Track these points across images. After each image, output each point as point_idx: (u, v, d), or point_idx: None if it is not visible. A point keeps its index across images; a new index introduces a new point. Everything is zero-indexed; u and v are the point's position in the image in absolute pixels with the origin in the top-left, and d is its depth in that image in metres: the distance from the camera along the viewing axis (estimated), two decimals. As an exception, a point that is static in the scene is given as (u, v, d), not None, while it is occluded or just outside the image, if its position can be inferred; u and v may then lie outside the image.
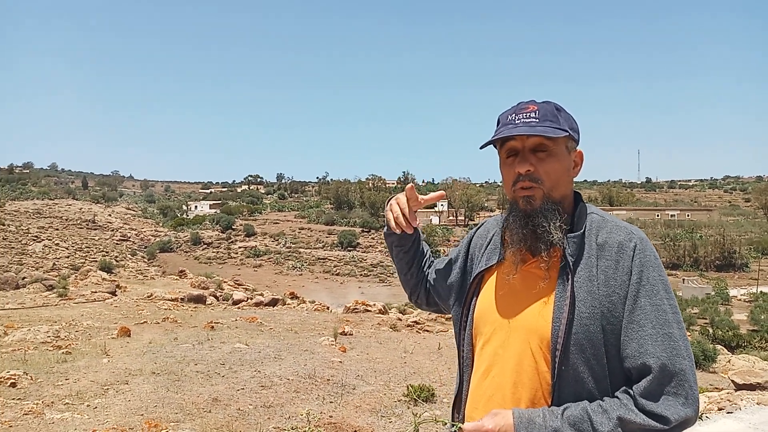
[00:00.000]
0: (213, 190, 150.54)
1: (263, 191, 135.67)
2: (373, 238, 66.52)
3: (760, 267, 51.92)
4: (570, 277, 1.42)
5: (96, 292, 20.66)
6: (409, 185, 1.74)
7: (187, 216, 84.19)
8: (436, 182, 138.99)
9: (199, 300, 20.36)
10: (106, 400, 7.13)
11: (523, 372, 1.45)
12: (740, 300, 42.24)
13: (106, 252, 54.37)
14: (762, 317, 29.73)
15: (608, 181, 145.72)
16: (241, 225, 72.22)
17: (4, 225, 54.78)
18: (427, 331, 15.68)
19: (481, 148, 1.56)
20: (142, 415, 6.56)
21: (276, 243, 66.48)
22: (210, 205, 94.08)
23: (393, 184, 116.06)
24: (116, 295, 20.61)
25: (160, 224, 77.66)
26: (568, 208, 1.53)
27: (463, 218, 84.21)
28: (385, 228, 1.85)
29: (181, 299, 19.93)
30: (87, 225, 67.66)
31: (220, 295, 22.59)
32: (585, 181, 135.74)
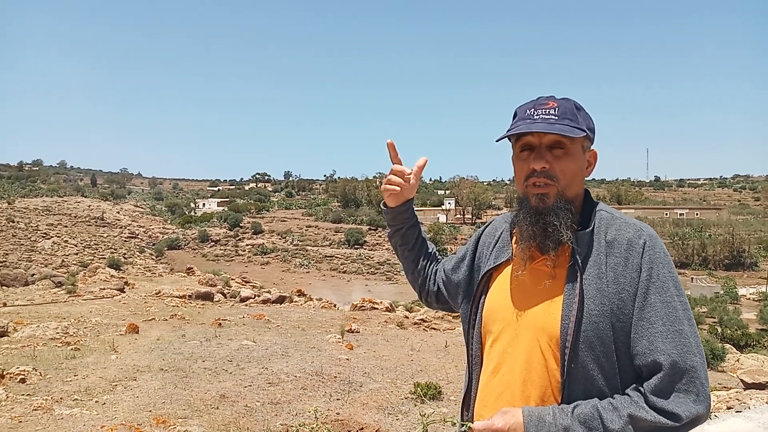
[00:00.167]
0: (221, 188, 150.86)
1: (271, 189, 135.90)
2: (380, 236, 66.43)
3: (770, 266, 51.57)
4: (579, 274, 1.41)
5: (104, 288, 20.80)
6: (388, 141, 1.80)
7: (195, 213, 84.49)
8: (443, 180, 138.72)
9: (207, 297, 20.43)
10: (114, 397, 7.16)
11: (532, 370, 1.44)
12: (749, 299, 42.03)
13: (115, 249, 54.56)
14: (771, 316, 29.53)
15: (617, 179, 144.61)
16: (248, 223, 72.35)
17: (13, 222, 55.11)
18: (434, 329, 15.66)
19: (497, 141, 1.55)
20: (150, 411, 6.59)
21: (283, 241, 66.59)
22: (218, 202, 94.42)
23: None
24: (124, 292, 20.73)
25: (168, 221, 77.91)
26: (578, 206, 1.52)
27: (470, 216, 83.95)
28: (383, 205, 1.89)
29: (189, 296, 20.01)
30: (96, 222, 67.97)
31: (228, 293, 22.69)
32: (593, 179, 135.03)
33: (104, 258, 46.05)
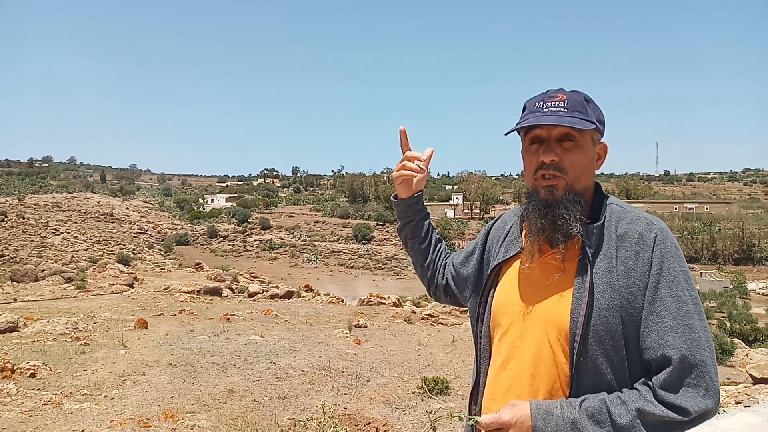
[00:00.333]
0: (229, 184, 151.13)
1: (279, 185, 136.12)
2: (387, 232, 66.46)
3: (780, 261, 51.21)
4: (589, 268, 1.40)
5: (114, 284, 20.93)
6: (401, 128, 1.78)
7: (204, 209, 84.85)
8: (451, 175, 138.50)
9: (216, 292, 20.53)
10: (123, 391, 7.21)
11: (541, 363, 1.43)
12: (759, 293, 41.76)
13: (124, 245, 54.82)
14: (781, 311, 29.36)
15: (626, 173, 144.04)
16: (256, 218, 72.56)
17: (24, 218, 55.47)
18: (442, 323, 15.67)
19: (506, 134, 1.54)
20: (158, 405, 6.63)
21: (291, 236, 66.74)
22: (226, 198, 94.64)
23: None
24: (133, 288, 20.85)
25: (177, 217, 78.30)
26: (588, 200, 1.51)
27: (478, 211, 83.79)
28: (393, 197, 1.88)
29: (198, 291, 20.11)
30: (105, 218, 68.36)
31: (236, 288, 22.78)
32: (602, 173, 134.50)
33: (113, 254, 46.30)
